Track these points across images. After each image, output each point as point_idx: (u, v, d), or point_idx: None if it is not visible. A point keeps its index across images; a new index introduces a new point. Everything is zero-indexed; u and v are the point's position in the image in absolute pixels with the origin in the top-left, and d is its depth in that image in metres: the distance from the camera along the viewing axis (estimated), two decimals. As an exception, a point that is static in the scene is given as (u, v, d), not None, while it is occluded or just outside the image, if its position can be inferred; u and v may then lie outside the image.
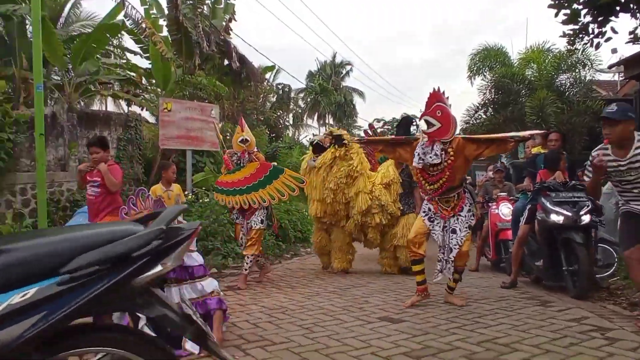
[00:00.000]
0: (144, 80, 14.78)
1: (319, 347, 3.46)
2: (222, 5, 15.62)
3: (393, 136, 6.90)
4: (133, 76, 14.11)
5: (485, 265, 7.83)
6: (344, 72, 41.87)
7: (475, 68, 14.21)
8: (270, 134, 24.64)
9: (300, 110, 38.67)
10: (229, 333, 3.78)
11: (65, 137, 9.41)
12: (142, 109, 14.27)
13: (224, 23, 15.21)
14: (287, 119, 34.80)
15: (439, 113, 4.58)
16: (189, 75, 13.14)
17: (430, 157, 4.58)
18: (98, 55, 12.54)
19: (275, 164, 6.99)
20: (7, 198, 8.05)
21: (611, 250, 6.08)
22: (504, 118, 12.65)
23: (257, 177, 5.86)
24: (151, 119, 15.48)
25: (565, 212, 5.19)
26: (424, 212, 4.89)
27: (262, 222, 6.00)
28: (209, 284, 3.48)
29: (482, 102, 13.32)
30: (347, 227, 6.84)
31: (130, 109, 14.97)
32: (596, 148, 4.09)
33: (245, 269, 5.96)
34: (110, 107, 17.32)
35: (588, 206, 5.27)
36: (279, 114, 30.88)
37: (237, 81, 15.99)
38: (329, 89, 38.86)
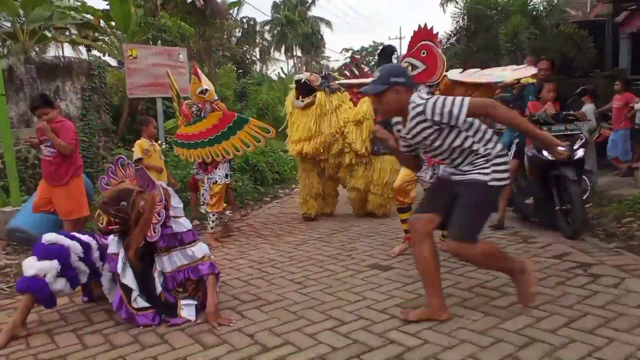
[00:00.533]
0: (102, 23, 13.99)
1: (314, 303, 3.49)
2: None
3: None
4: (90, 19, 13.33)
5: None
6: (309, 1, 40.55)
7: (447, -6, 13.81)
8: (237, 70, 24.02)
9: (266, 44, 37.67)
10: (222, 294, 3.76)
11: (26, 91, 8.98)
12: (103, 55, 13.62)
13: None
14: (254, 54, 33.90)
15: (423, 53, 4.33)
16: (151, 17, 12.48)
17: None
18: (50, -2, 11.77)
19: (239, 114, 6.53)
20: (-29, 161, 7.74)
21: (584, 178, 6.04)
22: (478, 47, 12.46)
23: (219, 128, 5.48)
24: (113, 63, 14.84)
25: None
26: None
27: (226, 176, 5.73)
28: (199, 249, 3.41)
29: (456, 31, 13.05)
30: (327, 172, 6.77)
31: (90, 54, 14.28)
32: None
33: (211, 227, 5.69)
34: (69, 53, 16.48)
35: (582, 139, 5.01)
36: (245, 49, 29.98)
37: (201, 19, 15.31)
38: (295, 19, 37.75)
